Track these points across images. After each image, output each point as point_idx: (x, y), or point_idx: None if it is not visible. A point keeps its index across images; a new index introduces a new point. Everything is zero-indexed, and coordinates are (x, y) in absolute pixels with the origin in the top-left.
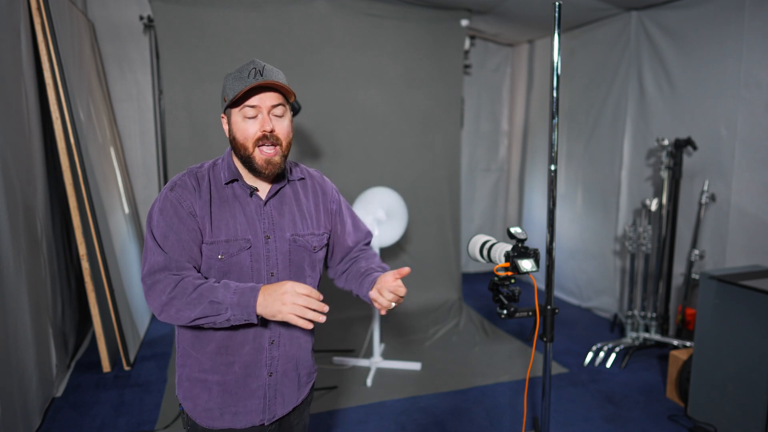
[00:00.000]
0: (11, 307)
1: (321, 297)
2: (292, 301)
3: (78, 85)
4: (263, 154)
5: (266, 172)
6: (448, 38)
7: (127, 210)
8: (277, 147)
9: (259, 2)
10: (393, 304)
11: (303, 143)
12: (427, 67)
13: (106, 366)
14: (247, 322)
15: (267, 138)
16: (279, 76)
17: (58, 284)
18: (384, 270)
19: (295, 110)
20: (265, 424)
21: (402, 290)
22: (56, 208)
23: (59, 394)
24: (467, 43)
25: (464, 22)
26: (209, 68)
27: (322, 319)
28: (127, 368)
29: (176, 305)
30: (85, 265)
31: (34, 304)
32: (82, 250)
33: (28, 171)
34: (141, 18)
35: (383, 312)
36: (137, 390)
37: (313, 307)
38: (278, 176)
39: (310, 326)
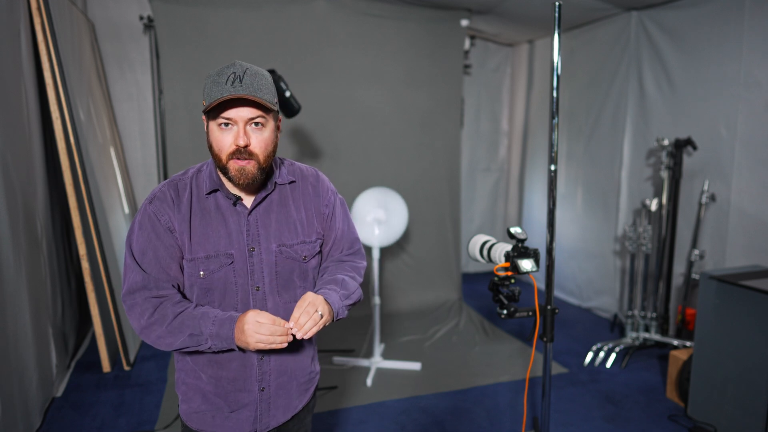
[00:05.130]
0: (11, 307)
1: (285, 325)
2: (255, 331)
3: (78, 85)
4: (236, 164)
5: (240, 182)
6: (448, 38)
7: (127, 210)
8: (252, 160)
9: (259, 2)
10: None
11: (303, 143)
12: (427, 67)
13: (106, 366)
14: (229, 348)
15: (240, 152)
16: (262, 83)
17: (58, 284)
18: (344, 280)
19: (295, 110)
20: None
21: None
22: (56, 208)
23: (59, 394)
24: (467, 43)
25: (464, 22)
26: (209, 68)
27: (286, 341)
28: (127, 368)
29: (156, 332)
30: (85, 265)
31: (34, 304)
32: (82, 250)
33: (28, 171)
34: (141, 18)
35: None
36: (137, 390)
37: (278, 334)
38: (263, 183)
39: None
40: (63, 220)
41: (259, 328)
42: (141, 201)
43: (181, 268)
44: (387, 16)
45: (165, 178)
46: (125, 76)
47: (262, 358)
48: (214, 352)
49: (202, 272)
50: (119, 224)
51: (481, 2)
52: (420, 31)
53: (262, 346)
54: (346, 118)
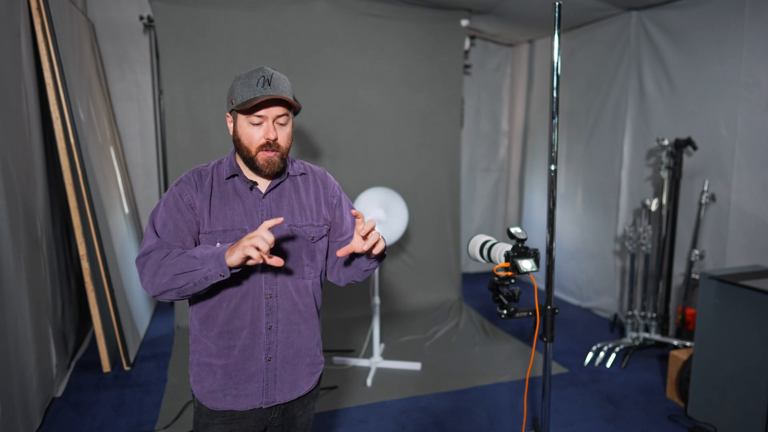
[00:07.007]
0: (11, 307)
1: (279, 221)
2: (253, 234)
3: (78, 85)
4: (265, 155)
5: (266, 171)
6: (448, 38)
7: (127, 210)
8: (278, 152)
9: (259, 2)
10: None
11: (303, 143)
12: (427, 67)
13: (106, 366)
14: (223, 277)
15: (270, 145)
16: (285, 86)
17: (58, 284)
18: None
19: (295, 110)
20: (263, 407)
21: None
22: (56, 208)
23: (59, 394)
24: (467, 43)
25: (464, 22)
26: (209, 68)
27: (269, 257)
28: (127, 368)
29: (162, 271)
30: (85, 265)
31: (34, 304)
32: (82, 250)
33: (28, 171)
34: (141, 18)
35: (366, 246)
36: (137, 390)
37: (261, 244)
38: (278, 172)
39: (267, 260)
40: (63, 220)
41: (251, 238)
42: (141, 201)
43: (196, 243)
44: (387, 16)
45: (165, 177)
46: (125, 76)
47: (270, 328)
48: (209, 291)
49: (218, 244)
50: (119, 224)
51: (481, 2)
52: (420, 31)
53: (252, 251)
54: (346, 118)
